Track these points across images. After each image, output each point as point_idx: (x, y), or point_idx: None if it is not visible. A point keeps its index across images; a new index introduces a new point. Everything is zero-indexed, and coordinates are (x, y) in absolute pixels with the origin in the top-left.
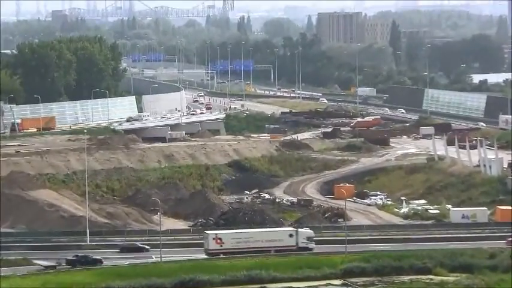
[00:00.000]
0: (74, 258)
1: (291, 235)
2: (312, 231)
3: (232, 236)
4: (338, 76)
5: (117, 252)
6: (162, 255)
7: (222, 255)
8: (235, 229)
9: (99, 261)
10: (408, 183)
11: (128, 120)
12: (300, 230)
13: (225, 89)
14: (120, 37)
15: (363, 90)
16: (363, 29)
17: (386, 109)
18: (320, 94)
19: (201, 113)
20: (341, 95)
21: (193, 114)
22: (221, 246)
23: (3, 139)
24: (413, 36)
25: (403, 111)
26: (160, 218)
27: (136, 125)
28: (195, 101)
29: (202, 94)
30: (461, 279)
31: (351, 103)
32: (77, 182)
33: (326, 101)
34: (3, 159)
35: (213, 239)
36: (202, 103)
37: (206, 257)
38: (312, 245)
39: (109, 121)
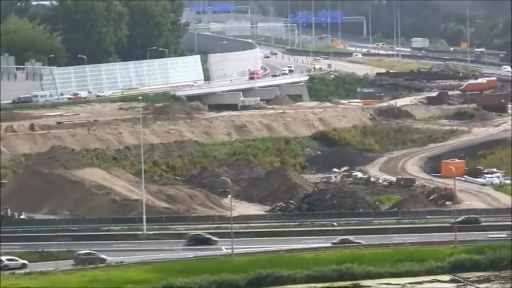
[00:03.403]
0: None
1: None
2: None
3: None
4: (445, 29)
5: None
6: (234, 247)
7: None
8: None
9: None
10: None
11: (13, 102)
12: None
13: (308, 46)
14: None
15: (416, 41)
16: None
17: (507, 67)
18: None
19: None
20: (449, 52)
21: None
22: None
23: (40, 108)
24: None
25: None
26: (231, 201)
27: (202, 89)
28: (289, 68)
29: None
30: None
31: (460, 62)
32: (130, 159)
33: (510, 69)
34: (42, 132)
35: None
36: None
37: (286, 248)
38: None
39: (169, 85)
